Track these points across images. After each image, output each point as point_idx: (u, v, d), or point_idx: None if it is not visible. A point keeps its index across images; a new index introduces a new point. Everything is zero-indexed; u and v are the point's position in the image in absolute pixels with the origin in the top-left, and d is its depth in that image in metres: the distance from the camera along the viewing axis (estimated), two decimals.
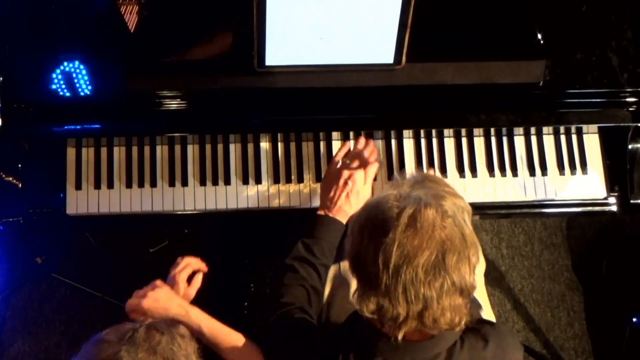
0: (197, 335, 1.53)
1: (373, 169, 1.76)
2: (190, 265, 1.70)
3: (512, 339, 1.42)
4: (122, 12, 1.80)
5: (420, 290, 1.17)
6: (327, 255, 1.67)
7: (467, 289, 1.21)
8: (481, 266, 1.90)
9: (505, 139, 1.93)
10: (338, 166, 1.79)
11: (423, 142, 1.92)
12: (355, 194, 1.72)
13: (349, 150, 1.84)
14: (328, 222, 1.69)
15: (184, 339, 1.25)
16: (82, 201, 1.86)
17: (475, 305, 1.75)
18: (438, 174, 1.87)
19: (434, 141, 1.92)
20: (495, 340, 1.37)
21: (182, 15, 1.80)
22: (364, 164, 1.76)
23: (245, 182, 1.88)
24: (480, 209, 1.89)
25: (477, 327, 1.36)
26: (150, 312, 1.54)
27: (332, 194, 1.72)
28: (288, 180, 1.89)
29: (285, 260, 1.65)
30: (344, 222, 1.72)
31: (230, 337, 1.59)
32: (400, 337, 1.23)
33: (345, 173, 1.73)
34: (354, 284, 1.64)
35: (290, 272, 1.62)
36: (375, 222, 1.22)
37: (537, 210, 1.87)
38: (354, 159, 1.79)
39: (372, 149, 1.81)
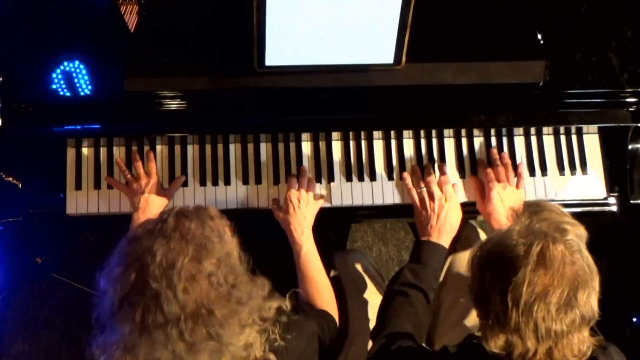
0: (295, 250, 1.72)
1: (451, 187, 1.81)
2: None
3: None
4: (122, 12, 1.80)
5: (552, 327, 1.17)
6: (433, 280, 1.69)
7: (594, 319, 1.21)
8: None
9: (505, 139, 1.93)
10: (422, 194, 1.82)
11: (423, 142, 1.92)
12: (452, 215, 1.77)
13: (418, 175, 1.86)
14: (432, 248, 1.73)
15: (214, 219, 1.25)
16: (82, 201, 1.86)
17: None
18: (438, 173, 1.87)
19: (434, 141, 1.92)
20: None
21: (182, 16, 1.80)
22: (443, 185, 1.82)
23: (245, 182, 1.88)
24: None
25: (593, 356, 1.32)
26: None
27: (429, 220, 1.76)
28: None
29: (393, 285, 1.66)
30: (447, 246, 1.75)
31: (320, 271, 1.71)
32: None
33: (436, 198, 1.78)
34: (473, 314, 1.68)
35: (399, 296, 1.63)
36: (500, 259, 1.21)
37: None
38: (430, 183, 1.82)
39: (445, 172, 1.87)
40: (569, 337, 1.19)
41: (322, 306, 1.67)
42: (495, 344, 1.22)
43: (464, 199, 1.88)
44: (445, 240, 1.75)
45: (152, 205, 1.78)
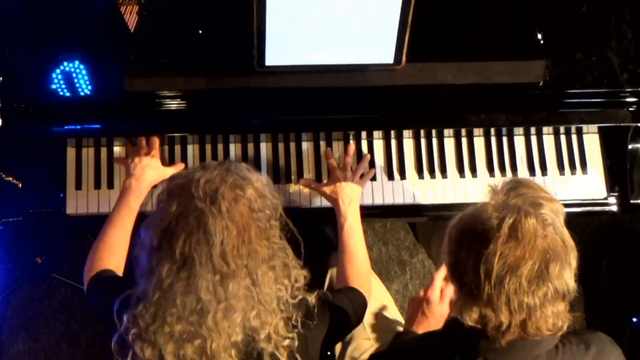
0: (340, 222, 1.75)
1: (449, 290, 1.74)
2: None
3: (615, 348, 1.38)
4: (122, 12, 1.80)
5: (524, 299, 1.17)
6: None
7: (569, 294, 1.21)
8: None
9: (505, 139, 1.93)
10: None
11: (423, 142, 1.92)
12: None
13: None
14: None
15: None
16: (82, 201, 1.86)
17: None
18: (438, 173, 1.88)
19: (434, 141, 1.92)
20: (598, 345, 1.34)
21: (182, 15, 1.80)
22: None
23: None
24: None
25: (578, 332, 1.33)
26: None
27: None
28: (288, 180, 1.89)
29: None
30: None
31: (360, 247, 1.73)
32: (504, 343, 1.23)
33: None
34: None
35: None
36: (474, 232, 1.21)
37: None
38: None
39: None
40: (542, 310, 1.19)
41: (355, 282, 1.65)
42: (470, 318, 1.22)
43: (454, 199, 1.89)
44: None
45: (147, 175, 1.75)
